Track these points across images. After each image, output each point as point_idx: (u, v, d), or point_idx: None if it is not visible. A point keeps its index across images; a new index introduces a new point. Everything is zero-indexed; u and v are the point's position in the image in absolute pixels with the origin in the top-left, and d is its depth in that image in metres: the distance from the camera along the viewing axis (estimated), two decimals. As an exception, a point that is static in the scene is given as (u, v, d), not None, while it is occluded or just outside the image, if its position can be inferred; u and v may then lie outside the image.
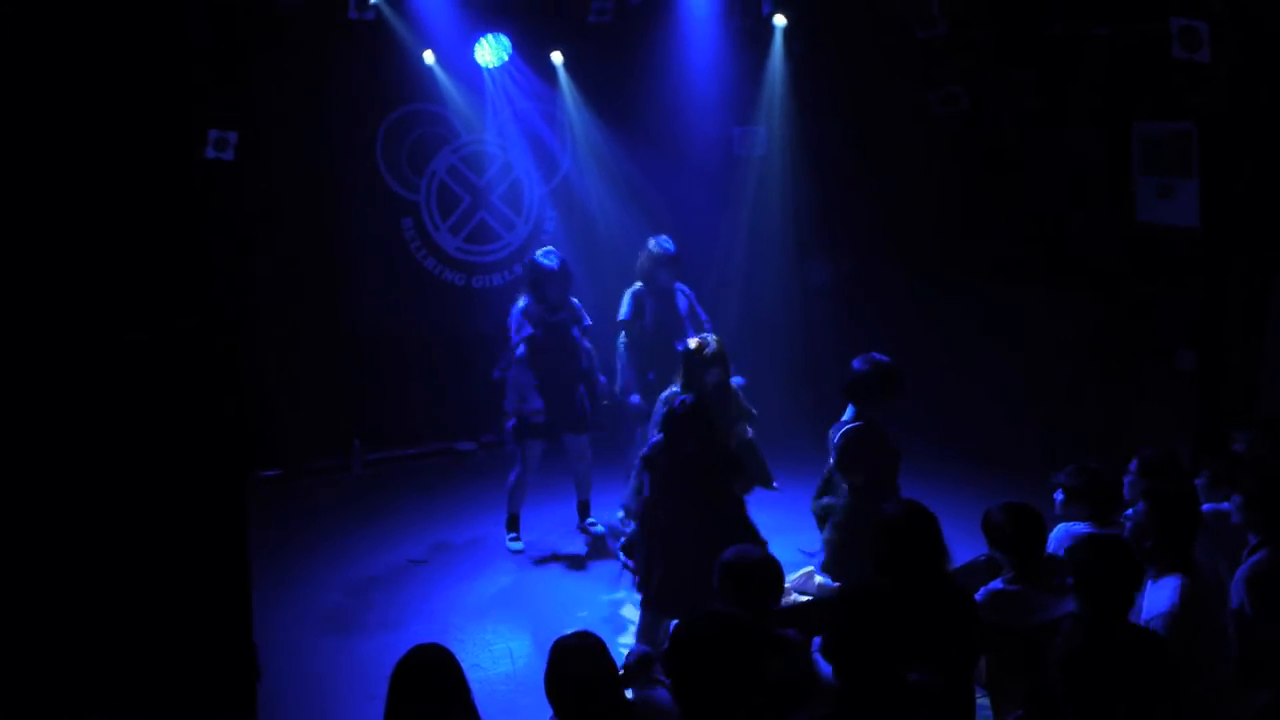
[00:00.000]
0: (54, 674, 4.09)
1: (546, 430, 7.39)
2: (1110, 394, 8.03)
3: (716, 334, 7.44)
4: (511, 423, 7.37)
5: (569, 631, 3.84)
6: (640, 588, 5.81)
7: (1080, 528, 5.01)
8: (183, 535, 4.24)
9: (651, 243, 7.58)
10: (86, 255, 4.20)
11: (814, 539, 6.22)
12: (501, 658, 6.21)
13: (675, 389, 6.66)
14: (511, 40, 8.88)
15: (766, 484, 6.61)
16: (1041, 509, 4.77)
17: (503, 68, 9.10)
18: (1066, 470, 5.25)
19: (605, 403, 7.67)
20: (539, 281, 7.26)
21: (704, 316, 7.69)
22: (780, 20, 9.04)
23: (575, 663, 3.66)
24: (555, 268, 7.25)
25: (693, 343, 6.62)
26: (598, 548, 7.54)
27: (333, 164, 8.97)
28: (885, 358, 5.90)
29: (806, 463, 7.04)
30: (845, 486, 5.84)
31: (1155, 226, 7.56)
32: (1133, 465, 5.29)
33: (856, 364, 5.90)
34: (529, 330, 7.26)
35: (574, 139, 9.67)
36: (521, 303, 7.36)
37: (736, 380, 7.42)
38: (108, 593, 4.16)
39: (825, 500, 5.93)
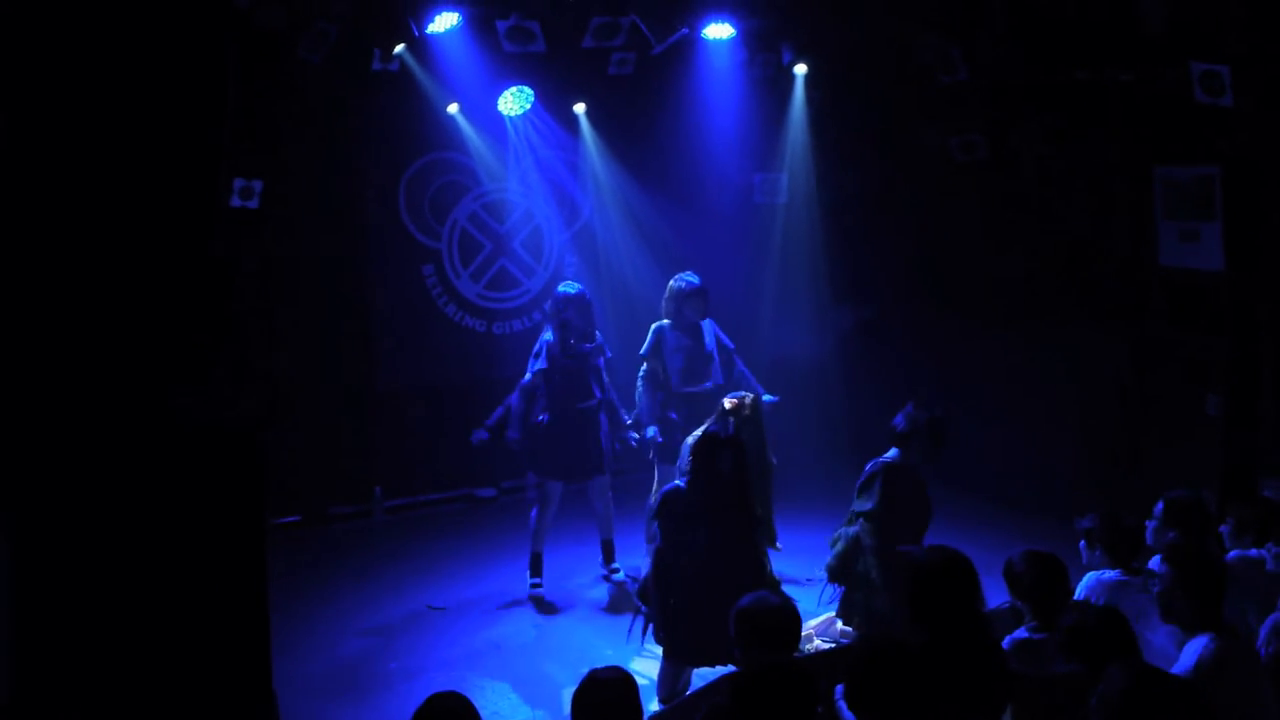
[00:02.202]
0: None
1: (567, 474, 7.37)
2: (1137, 439, 7.95)
3: (743, 365, 7.49)
4: (481, 435, 7.49)
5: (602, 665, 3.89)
6: (659, 639, 5.74)
7: (1111, 575, 4.94)
8: (203, 584, 4.25)
9: (675, 279, 7.61)
10: (117, 307, 4.25)
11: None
12: (522, 706, 6.14)
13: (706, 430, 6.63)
14: (534, 91, 8.97)
15: (769, 542, 6.59)
16: (1067, 554, 4.70)
17: (525, 117, 9.20)
18: (1090, 517, 5.19)
19: (632, 437, 7.62)
20: (562, 309, 7.31)
21: (731, 345, 7.69)
22: (801, 68, 9.09)
23: (604, 691, 3.72)
24: (575, 294, 7.34)
25: (728, 403, 6.63)
26: (620, 596, 7.47)
27: (355, 212, 9.06)
28: (936, 410, 5.86)
29: (827, 507, 6.99)
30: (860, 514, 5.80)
31: (1180, 270, 7.52)
32: (1158, 509, 5.22)
33: (909, 409, 5.87)
34: (542, 364, 7.30)
35: (595, 186, 9.73)
36: (547, 335, 7.40)
37: (770, 399, 7.43)
38: (128, 639, 4.16)
39: (841, 529, 5.89)
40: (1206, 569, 4.30)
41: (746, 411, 6.57)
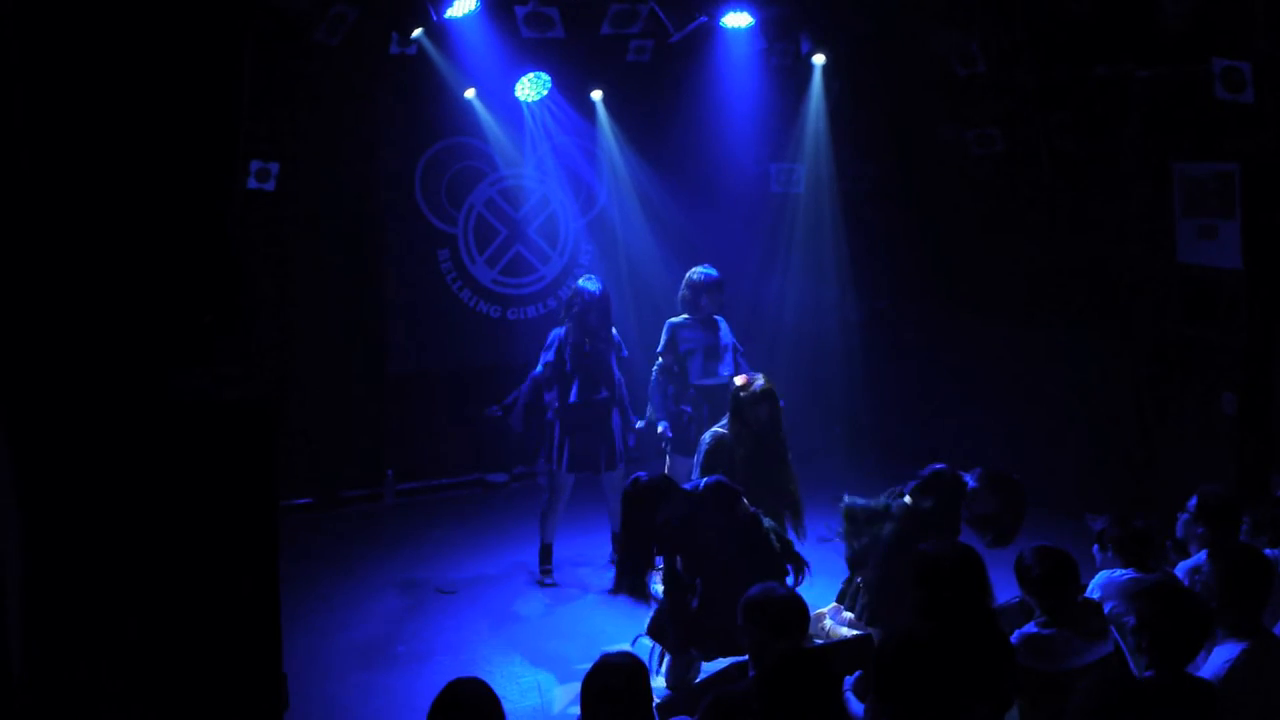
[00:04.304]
0: (85, 699, 4.11)
1: (581, 464, 7.40)
2: (1151, 437, 7.92)
3: (750, 364, 7.46)
4: (494, 411, 7.57)
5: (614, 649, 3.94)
6: (671, 644, 5.73)
7: (1122, 575, 4.92)
8: (213, 565, 4.26)
9: (694, 271, 7.61)
10: (132, 288, 4.26)
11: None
12: (530, 691, 6.16)
13: (719, 429, 6.61)
14: (552, 78, 8.96)
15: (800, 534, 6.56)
16: (1080, 550, 4.70)
17: (542, 103, 9.19)
18: (1105, 519, 5.16)
19: (637, 426, 7.66)
20: (580, 307, 7.31)
21: (740, 347, 7.69)
22: (819, 58, 9.06)
23: (614, 677, 3.73)
24: (597, 293, 7.32)
25: (739, 380, 6.55)
26: (628, 582, 7.49)
27: (371, 195, 9.07)
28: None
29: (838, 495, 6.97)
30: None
31: (1198, 268, 7.48)
32: (1191, 504, 5.16)
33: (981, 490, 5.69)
34: (550, 357, 7.37)
35: (612, 174, 9.73)
36: (561, 330, 7.41)
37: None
38: (139, 620, 4.18)
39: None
40: (1253, 572, 4.20)
41: (759, 386, 6.44)
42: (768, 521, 5.79)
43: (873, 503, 5.78)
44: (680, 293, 7.67)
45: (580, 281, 7.52)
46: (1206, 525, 5.11)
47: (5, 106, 3.92)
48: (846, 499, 5.88)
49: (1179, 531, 5.22)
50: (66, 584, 4.10)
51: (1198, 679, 3.90)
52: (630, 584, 5.68)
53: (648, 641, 5.78)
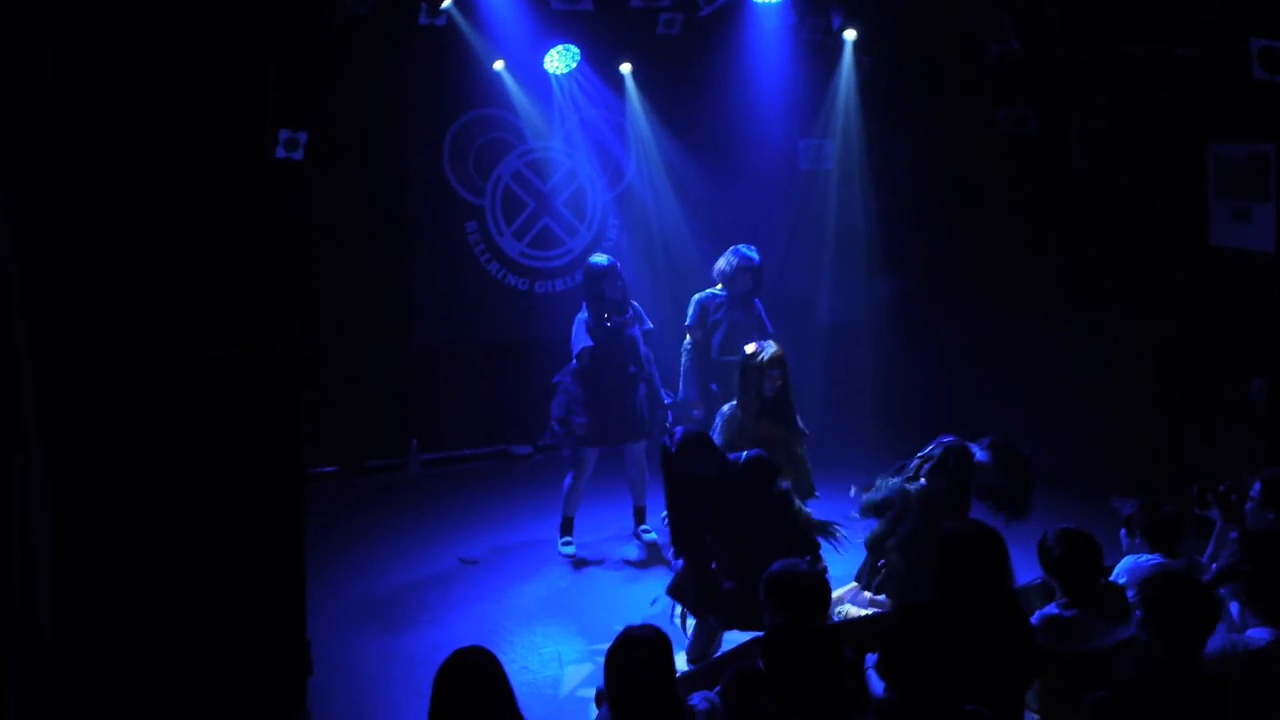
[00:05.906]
0: (112, 664, 4.17)
1: (603, 439, 7.42)
2: (1179, 421, 7.86)
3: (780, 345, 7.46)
4: (556, 427, 7.47)
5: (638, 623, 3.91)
6: (695, 607, 5.74)
7: (1147, 561, 4.89)
8: (241, 533, 4.31)
9: (737, 248, 7.61)
10: (161, 258, 4.30)
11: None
12: (550, 661, 6.21)
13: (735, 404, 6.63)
14: (581, 50, 8.93)
15: (809, 493, 6.57)
16: (1105, 533, 4.67)
17: (571, 75, 9.17)
18: (1132, 503, 5.12)
19: (667, 403, 7.67)
20: (594, 283, 7.32)
21: (770, 329, 7.68)
22: (850, 34, 8.99)
23: (637, 650, 3.73)
24: (606, 265, 7.33)
25: (749, 348, 6.60)
26: (651, 555, 7.52)
27: (399, 166, 9.09)
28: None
29: (859, 474, 6.98)
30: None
31: (1230, 251, 7.40)
32: (1254, 490, 5.09)
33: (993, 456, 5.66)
34: (587, 343, 7.31)
35: (640, 147, 9.70)
36: (583, 313, 7.41)
37: None
38: (168, 583, 4.24)
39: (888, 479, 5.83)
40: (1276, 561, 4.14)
41: (768, 353, 6.47)
42: (798, 502, 5.81)
43: (889, 492, 5.76)
44: (718, 265, 7.66)
45: (590, 259, 7.52)
46: (1277, 510, 5.03)
47: (37, 85, 3.95)
48: (864, 496, 5.87)
49: (1249, 521, 5.14)
50: (95, 550, 4.16)
51: (1209, 671, 3.87)
52: (683, 546, 5.71)
53: (665, 601, 5.81)
